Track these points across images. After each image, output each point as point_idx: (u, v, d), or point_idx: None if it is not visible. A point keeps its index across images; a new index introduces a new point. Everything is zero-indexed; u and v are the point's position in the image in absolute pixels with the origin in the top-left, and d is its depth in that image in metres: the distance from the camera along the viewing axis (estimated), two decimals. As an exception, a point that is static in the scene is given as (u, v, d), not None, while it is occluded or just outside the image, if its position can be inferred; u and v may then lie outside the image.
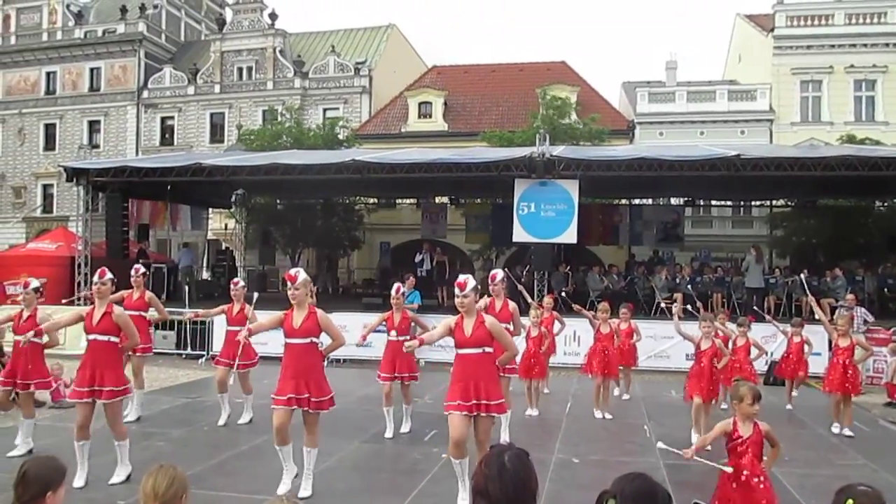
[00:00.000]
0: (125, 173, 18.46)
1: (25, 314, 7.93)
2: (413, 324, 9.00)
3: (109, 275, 6.98)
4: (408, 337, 8.62)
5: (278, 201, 26.66)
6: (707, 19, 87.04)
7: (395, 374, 8.71)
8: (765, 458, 4.92)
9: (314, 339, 6.35)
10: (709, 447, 5.36)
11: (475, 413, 5.80)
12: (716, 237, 27.36)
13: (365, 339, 9.16)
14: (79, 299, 17.76)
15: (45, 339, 7.75)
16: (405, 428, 9.00)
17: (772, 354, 12.75)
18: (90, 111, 38.41)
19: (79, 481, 6.42)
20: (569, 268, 19.39)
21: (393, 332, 8.84)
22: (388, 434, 8.73)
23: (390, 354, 8.78)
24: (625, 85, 34.84)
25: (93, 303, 7.03)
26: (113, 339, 6.73)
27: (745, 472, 4.71)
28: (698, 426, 8.36)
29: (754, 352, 9.95)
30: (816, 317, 10.47)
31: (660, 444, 5.01)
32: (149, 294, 9.95)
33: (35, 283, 8.28)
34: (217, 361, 9.50)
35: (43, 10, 39.89)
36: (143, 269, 10.20)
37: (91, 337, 6.68)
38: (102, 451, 6.77)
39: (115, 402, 6.65)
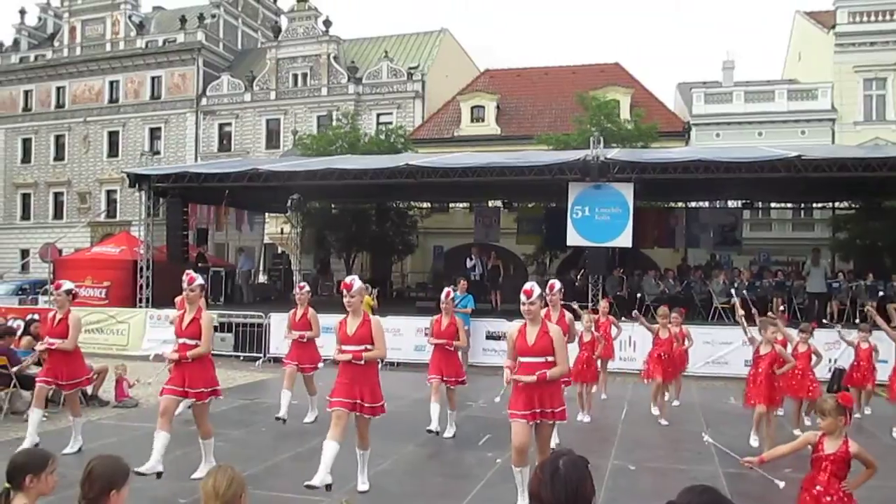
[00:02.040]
0: (185, 179, 18.91)
1: (58, 316, 7.85)
2: (457, 329, 8.84)
3: (199, 280, 7.18)
4: (448, 342, 8.67)
5: (333, 206, 26.96)
6: (765, 17, 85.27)
7: (443, 378, 8.68)
8: (848, 479, 4.59)
9: (368, 347, 6.40)
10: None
11: (537, 420, 5.84)
12: (776, 240, 26.70)
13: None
14: (140, 301, 18.26)
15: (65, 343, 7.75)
16: (449, 433, 8.85)
17: (835, 361, 12.38)
18: (151, 118, 39.52)
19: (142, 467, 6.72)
20: (623, 271, 19.17)
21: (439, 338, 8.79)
22: (433, 426, 8.54)
23: (436, 358, 8.82)
24: (680, 86, 34.23)
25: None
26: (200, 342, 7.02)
27: (818, 488, 4.53)
28: (759, 433, 8.17)
29: (813, 358, 9.67)
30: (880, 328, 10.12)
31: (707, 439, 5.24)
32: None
33: (68, 285, 8.20)
34: (285, 363, 9.89)
35: (106, 22, 41.18)
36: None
37: (181, 340, 7.00)
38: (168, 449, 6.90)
39: (202, 403, 7.00)
